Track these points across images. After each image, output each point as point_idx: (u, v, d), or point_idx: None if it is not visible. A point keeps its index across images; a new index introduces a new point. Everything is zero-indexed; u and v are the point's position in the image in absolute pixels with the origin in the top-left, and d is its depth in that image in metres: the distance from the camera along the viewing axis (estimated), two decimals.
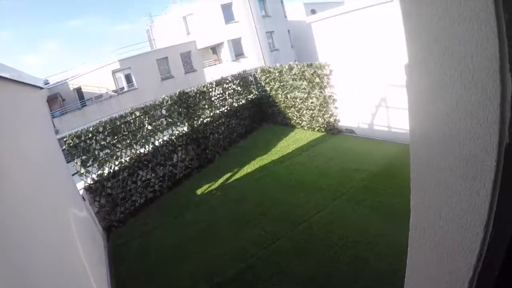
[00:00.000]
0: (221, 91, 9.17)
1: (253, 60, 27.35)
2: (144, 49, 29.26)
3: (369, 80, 7.21)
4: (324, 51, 8.03)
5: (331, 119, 8.15)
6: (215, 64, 28.68)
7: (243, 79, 10.06)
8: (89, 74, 25.48)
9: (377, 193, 5.25)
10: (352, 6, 6.99)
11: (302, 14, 37.88)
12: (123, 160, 6.60)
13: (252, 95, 10.30)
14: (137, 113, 7.06)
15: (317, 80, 7.94)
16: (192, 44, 27.60)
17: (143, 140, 7.09)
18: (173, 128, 7.78)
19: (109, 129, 6.51)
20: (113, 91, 25.42)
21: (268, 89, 9.72)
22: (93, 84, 24.91)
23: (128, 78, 25.82)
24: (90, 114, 23.54)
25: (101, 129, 6.35)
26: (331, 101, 7.94)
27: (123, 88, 25.83)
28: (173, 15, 29.22)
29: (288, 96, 9.04)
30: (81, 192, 5.62)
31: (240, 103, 9.74)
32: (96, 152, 6.19)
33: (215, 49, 29.60)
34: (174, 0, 28.54)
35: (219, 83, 9.13)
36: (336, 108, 8.00)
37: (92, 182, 6.00)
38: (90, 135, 6.16)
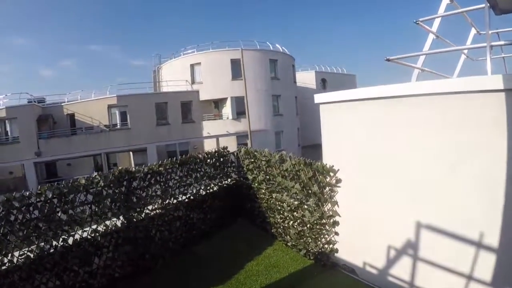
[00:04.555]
0: (185, 173, 6.78)
1: (254, 121, 25.77)
2: (146, 90, 28.38)
3: (393, 209, 4.75)
4: (331, 146, 5.59)
5: (326, 247, 5.58)
6: (215, 119, 27.31)
7: (222, 158, 7.75)
8: (86, 102, 24.82)
9: None
10: (381, 91, 4.58)
11: (312, 81, 37.39)
12: (15, 259, 4.22)
13: (229, 179, 7.92)
14: (49, 195, 4.73)
15: (315, 188, 5.52)
16: (195, 94, 26.48)
17: (51, 234, 4.65)
18: (100, 220, 5.35)
19: (1, 211, 4.16)
20: (105, 125, 24.35)
21: (250, 177, 7.34)
22: (88, 114, 24.08)
23: (123, 116, 24.83)
24: (77, 144, 22.63)
25: None
26: (331, 222, 5.43)
27: (116, 125, 24.80)
28: (181, 61, 28.77)
29: (274, 195, 6.61)
30: None
31: (211, 190, 7.31)
32: None
33: (217, 103, 28.42)
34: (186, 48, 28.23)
35: (184, 162, 6.76)
36: (336, 234, 5.47)
37: None
38: None
